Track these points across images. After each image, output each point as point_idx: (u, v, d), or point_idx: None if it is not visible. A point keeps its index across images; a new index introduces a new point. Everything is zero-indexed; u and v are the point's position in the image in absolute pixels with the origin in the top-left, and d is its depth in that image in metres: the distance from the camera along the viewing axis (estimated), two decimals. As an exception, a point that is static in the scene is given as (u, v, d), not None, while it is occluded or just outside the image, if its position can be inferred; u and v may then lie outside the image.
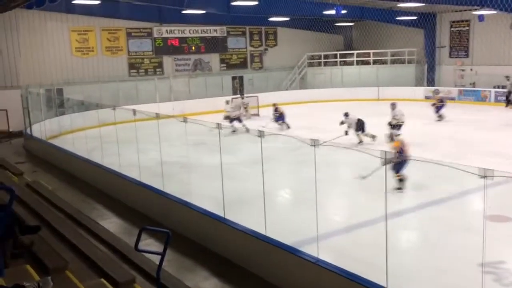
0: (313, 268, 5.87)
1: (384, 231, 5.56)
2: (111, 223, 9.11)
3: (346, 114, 15.96)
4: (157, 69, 26.26)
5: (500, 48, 24.51)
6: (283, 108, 20.12)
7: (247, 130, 15.34)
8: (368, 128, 15.58)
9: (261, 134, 7.26)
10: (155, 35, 26.03)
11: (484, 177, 4.58)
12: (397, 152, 9.71)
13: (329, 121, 20.23)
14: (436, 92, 21.12)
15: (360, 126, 15.71)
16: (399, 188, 9.94)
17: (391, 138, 11.04)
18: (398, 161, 9.42)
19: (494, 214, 8.14)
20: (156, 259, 4.81)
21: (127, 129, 11.56)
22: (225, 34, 28.47)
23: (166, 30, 26.30)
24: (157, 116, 9.98)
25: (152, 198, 9.33)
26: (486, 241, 5.13)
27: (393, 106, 16.03)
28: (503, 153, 13.07)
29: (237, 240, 7.19)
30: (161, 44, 26.25)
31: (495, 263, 6.63)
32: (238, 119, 18.96)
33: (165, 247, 4.79)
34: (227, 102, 20.63)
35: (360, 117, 15.92)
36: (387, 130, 14.28)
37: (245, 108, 22.16)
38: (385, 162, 9.17)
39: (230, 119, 18.90)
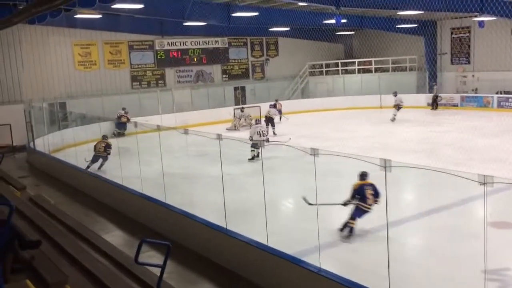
0: (315, 278, 5.84)
1: (386, 239, 5.54)
2: (113, 236, 9.10)
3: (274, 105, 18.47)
4: (159, 81, 26.40)
5: (501, 54, 24.51)
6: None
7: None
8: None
9: (261, 144, 7.27)
10: (157, 47, 26.20)
11: (484, 183, 4.57)
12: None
13: (332, 129, 20.30)
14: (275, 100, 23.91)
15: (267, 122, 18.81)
16: None
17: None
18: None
19: (497, 220, 8.08)
20: (158, 271, 4.80)
21: (129, 141, 11.61)
22: (227, 45, 28.63)
23: (168, 42, 26.48)
24: (158, 128, 10.01)
25: (154, 209, 9.33)
26: (490, 248, 5.09)
27: (257, 121, 16.45)
28: (505, 159, 13.01)
29: (240, 251, 7.17)
30: (163, 56, 26.40)
31: (500, 270, 6.58)
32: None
33: (165, 259, 4.81)
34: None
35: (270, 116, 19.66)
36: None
37: (245, 119, 22.37)
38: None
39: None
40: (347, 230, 8.19)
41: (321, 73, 30.89)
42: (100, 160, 14.36)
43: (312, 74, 30.97)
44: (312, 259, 6.24)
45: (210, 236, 7.72)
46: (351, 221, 8.16)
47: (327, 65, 30.57)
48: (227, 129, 21.41)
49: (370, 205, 8.07)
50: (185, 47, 27.07)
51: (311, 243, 7.11)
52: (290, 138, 15.39)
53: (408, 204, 10.26)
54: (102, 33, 23.79)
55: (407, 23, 25.96)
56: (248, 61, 29.71)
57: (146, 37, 25.61)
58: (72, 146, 16.31)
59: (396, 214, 8.57)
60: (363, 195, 8.08)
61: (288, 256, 6.40)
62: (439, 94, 25.74)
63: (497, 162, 12.60)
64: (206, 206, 9.65)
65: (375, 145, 15.83)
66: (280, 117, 22.95)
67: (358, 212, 8.14)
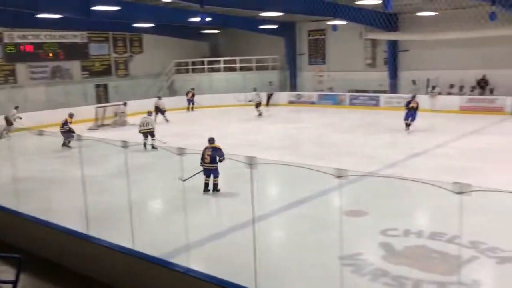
0: (183, 279, 5.76)
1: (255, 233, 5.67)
2: (-45, 252, 8.03)
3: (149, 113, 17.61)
4: (9, 78, 24.04)
5: (352, 56, 26.75)
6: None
7: None
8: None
9: (125, 145, 6.97)
10: (6, 40, 23.83)
11: (339, 176, 4.88)
12: None
13: (199, 128, 20.35)
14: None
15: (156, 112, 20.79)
16: None
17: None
18: None
19: (351, 209, 8.78)
20: (9, 288, 4.36)
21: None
22: (86, 40, 27.08)
23: (19, 35, 24.21)
24: (8, 129, 9.09)
25: (4, 219, 8.44)
26: (346, 235, 5.48)
27: (149, 113, 17.01)
28: (358, 152, 14.23)
29: (103, 257, 6.79)
30: (13, 50, 24.11)
31: (354, 255, 7.13)
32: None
33: (17, 273, 4.39)
34: None
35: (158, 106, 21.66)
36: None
37: (120, 116, 21.65)
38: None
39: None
40: (204, 187, 10.37)
41: (187, 71, 30.79)
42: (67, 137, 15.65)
43: (178, 71, 30.72)
44: (180, 260, 6.17)
45: (70, 243, 7.20)
46: (206, 179, 10.37)
47: (193, 63, 30.57)
48: (88, 129, 20.29)
49: (206, 163, 10.16)
50: (39, 40, 25.00)
51: (180, 243, 7.03)
52: (165, 142, 15.42)
53: (274, 199, 10.68)
54: None
55: (269, 24, 27.04)
56: (110, 58, 28.42)
57: (-7, 29, 23.16)
58: None
59: (262, 208, 8.88)
60: (202, 156, 10.13)
61: (154, 258, 6.22)
62: (273, 92, 27.80)
63: (351, 155, 13.74)
64: (65, 211, 9.03)
65: (243, 142, 16.21)
66: (193, 107, 26.08)
67: (204, 171, 10.25)
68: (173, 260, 6.22)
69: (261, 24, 26.74)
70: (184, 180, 10.24)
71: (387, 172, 11.42)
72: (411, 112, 17.77)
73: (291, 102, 27.92)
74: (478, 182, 4.49)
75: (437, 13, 21.38)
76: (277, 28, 27.71)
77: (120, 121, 21.49)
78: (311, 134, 17.86)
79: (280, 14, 21.78)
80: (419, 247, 7.44)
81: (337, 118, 21.98)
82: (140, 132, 15.83)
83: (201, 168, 10.21)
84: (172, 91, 30.01)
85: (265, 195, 10.54)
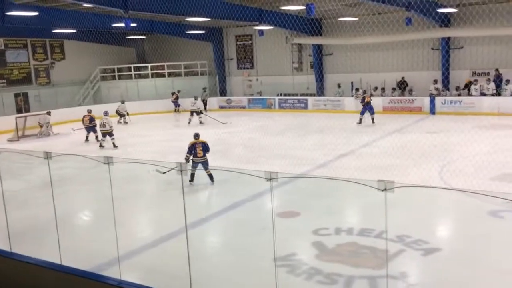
0: (116, 292, 5.58)
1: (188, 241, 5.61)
2: None
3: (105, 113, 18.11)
4: None
5: (279, 60, 27.27)
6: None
7: None
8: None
9: (48, 156, 6.65)
10: None
11: (270, 179, 4.95)
12: None
13: (128, 135, 19.85)
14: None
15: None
16: None
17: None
18: None
19: (284, 211, 8.93)
20: None
21: None
22: (2, 47, 25.61)
23: None
24: None
25: None
26: (279, 236, 5.56)
27: (105, 113, 17.75)
28: (288, 155, 14.50)
29: (29, 275, 6.44)
30: None
31: (288, 255, 7.24)
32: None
33: None
34: None
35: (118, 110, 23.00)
36: None
37: (47, 126, 20.71)
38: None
39: None
40: (190, 178, 10.95)
41: (113, 77, 29.95)
42: (91, 132, 18.10)
43: (104, 78, 29.80)
44: (113, 272, 5.98)
45: (-9, 263, 6.77)
46: (192, 170, 10.93)
47: (120, 69, 29.80)
48: (8, 140, 19.18)
49: (199, 157, 11.00)
50: (-51, 47, 23.36)
51: (111, 255, 6.81)
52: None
53: (206, 204, 10.63)
54: None
55: (196, 29, 26.93)
56: (30, 65, 27.03)
57: None
58: None
59: (195, 215, 8.82)
60: (194, 151, 11.03)
61: (85, 272, 5.99)
62: (207, 99, 27.43)
63: (281, 158, 13.97)
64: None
65: (172, 148, 15.99)
66: (179, 109, 26.34)
67: (193, 164, 10.94)
68: (105, 273, 6.03)
69: (188, 29, 26.58)
70: (164, 173, 10.70)
71: (316, 173, 11.74)
72: (367, 106, 19.43)
73: (221, 107, 27.95)
74: (400, 178, 4.73)
75: (357, 18, 22.31)
76: (204, 33, 27.67)
77: (46, 132, 20.48)
78: (242, 138, 17.95)
79: (206, 19, 21.76)
80: (350, 244, 7.69)
81: (267, 121, 22.24)
82: (101, 132, 17.03)
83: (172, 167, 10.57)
84: (98, 99, 29.05)
85: (198, 201, 10.48)
